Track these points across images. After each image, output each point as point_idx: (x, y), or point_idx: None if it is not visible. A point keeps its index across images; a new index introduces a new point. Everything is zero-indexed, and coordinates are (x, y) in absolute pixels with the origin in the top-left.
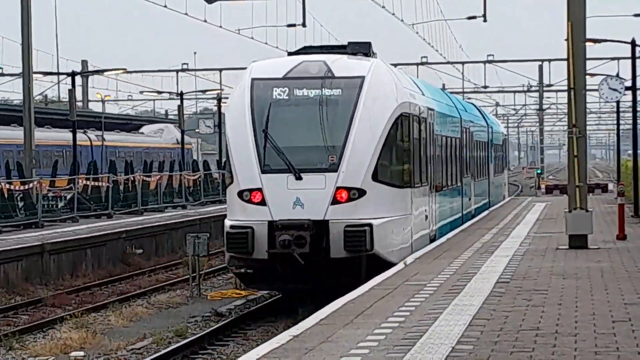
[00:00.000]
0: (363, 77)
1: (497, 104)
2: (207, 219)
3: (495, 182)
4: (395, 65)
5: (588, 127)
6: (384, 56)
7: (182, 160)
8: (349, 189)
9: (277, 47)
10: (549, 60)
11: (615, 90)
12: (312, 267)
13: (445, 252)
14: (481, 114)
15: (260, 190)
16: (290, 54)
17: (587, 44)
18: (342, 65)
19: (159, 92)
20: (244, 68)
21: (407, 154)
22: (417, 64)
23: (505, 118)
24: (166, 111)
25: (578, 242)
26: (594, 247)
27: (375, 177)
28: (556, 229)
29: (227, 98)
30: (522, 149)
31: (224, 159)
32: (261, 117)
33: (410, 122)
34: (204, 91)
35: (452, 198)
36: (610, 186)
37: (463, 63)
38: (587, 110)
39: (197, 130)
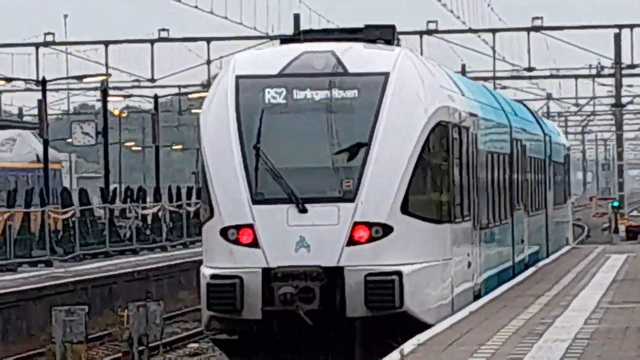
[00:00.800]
0: (387, 74)
1: (549, 97)
2: (86, 282)
3: (555, 217)
4: None
5: None
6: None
7: (46, 189)
8: (370, 225)
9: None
10: (631, 27)
11: None
12: (323, 331)
13: (466, 333)
14: (535, 117)
15: (251, 226)
16: (283, 40)
17: None
18: (358, 57)
19: (8, 80)
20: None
21: (446, 178)
22: (421, 33)
23: (562, 119)
24: (20, 109)
25: None
26: None
27: (405, 209)
28: None
29: (119, 88)
30: (589, 168)
31: (196, 184)
32: (251, 128)
33: (450, 135)
34: (80, 77)
35: (501, 239)
36: None
37: (494, 31)
38: None
39: (69, 141)
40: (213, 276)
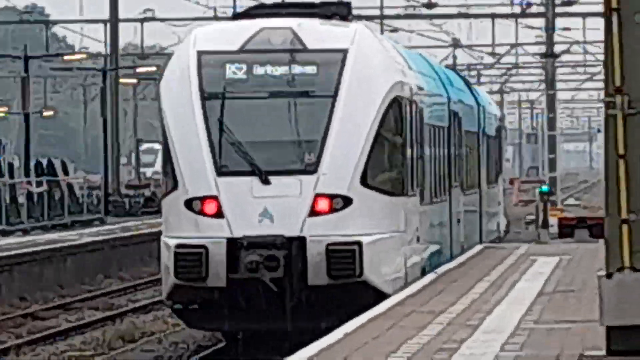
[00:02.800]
0: (345, 51)
1: (456, 44)
2: None
3: (489, 197)
4: None
5: None
6: None
7: None
8: (331, 197)
9: None
10: None
11: None
12: (286, 298)
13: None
14: (468, 86)
15: (216, 198)
16: (236, 15)
17: None
18: (316, 33)
19: None
20: None
21: (401, 152)
22: None
23: (473, 73)
24: None
25: (627, 342)
26: None
27: (364, 181)
28: (580, 315)
29: None
30: (510, 139)
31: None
32: (213, 103)
33: (403, 109)
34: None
35: (441, 217)
36: None
37: None
38: None
39: None
40: (178, 245)
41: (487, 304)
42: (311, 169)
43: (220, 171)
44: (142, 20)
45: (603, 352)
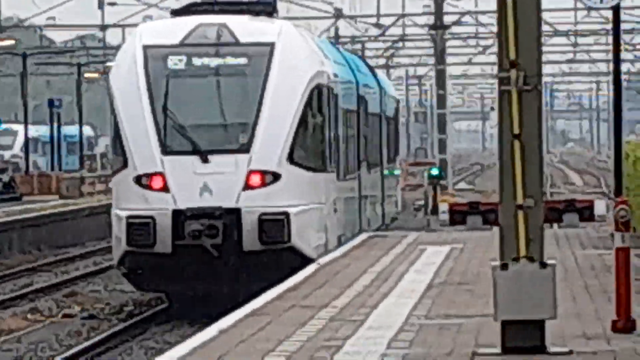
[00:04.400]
0: (273, 44)
1: (339, 14)
2: None
3: (387, 176)
4: None
5: (552, 70)
6: None
7: None
8: (262, 172)
9: None
10: None
11: None
12: (224, 262)
13: None
14: (370, 70)
15: (162, 174)
16: (174, 12)
17: None
18: (246, 28)
19: None
20: None
21: (321, 133)
22: None
23: (357, 46)
24: None
25: (523, 338)
26: (562, 352)
27: (291, 159)
28: (472, 309)
29: None
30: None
31: None
32: (158, 91)
33: (323, 95)
34: None
35: (352, 192)
36: (600, 205)
37: None
38: (546, 33)
39: None
40: (129, 217)
41: (372, 298)
42: (245, 148)
43: (166, 151)
44: None
45: (498, 350)
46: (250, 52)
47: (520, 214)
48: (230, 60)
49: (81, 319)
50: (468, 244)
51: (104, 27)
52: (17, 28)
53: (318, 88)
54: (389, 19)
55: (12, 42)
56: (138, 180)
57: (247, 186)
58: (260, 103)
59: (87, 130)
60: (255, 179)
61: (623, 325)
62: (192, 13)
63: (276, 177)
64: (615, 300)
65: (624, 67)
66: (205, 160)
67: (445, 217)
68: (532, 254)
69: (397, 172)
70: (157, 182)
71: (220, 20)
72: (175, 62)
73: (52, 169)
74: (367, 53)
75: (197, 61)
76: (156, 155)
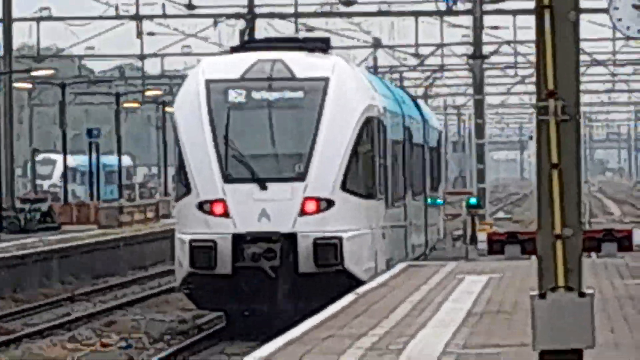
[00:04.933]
0: (327, 79)
1: (377, 44)
2: None
3: (430, 205)
4: None
5: (591, 101)
6: None
7: None
8: (317, 199)
9: None
10: None
11: None
12: (281, 283)
13: None
14: (414, 102)
15: (223, 201)
16: (234, 49)
17: None
18: (302, 64)
19: None
20: None
21: (371, 162)
22: None
23: (396, 76)
24: None
25: None
26: None
27: (344, 187)
28: (510, 339)
29: None
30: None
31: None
32: (220, 122)
33: (374, 127)
34: None
35: (399, 219)
36: (638, 235)
37: None
38: (585, 63)
39: None
40: (192, 240)
41: (410, 328)
42: (300, 177)
43: (227, 179)
44: (38, 20)
45: None
46: (306, 87)
47: (559, 243)
48: (287, 94)
49: (119, 348)
50: (506, 273)
51: (142, 57)
52: (55, 58)
53: (369, 120)
54: (427, 48)
55: (51, 71)
56: (200, 206)
57: (303, 212)
58: (315, 134)
59: (126, 160)
60: (310, 206)
61: None
62: (250, 49)
63: (330, 203)
64: None
65: None
66: (263, 188)
67: (483, 246)
68: (571, 284)
69: (439, 201)
70: (218, 208)
71: (277, 56)
72: (235, 96)
73: (91, 198)
74: (406, 83)
75: (256, 95)
76: (218, 183)
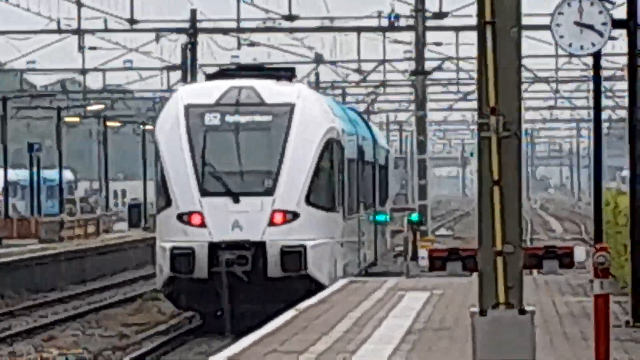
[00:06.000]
0: (293, 104)
1: (319, 60)
2: None
3: (379, 218)
4: None
5: (533, 118)
6: None
7: None
8: (284, 212)
9: None
10: None
11: (589, 28)
12: (252, 286)
13: None
14: (365, 124)
15: (200, 212)
16: (209, 76)
17: None
18: (271, 91)
19: None
20: None
21: (332, 179)
22: None
23: (338, 92)
24: None
25: None
26: None
27: (308, 200)
28: (451, 355)
29: None
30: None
31: None
32: (198, 142)
33: (333, 148)
34: None
35: (353, 230)
36: (579, 252)
37: None
38: (527, 80)
39: None
40: (173, 248)
41: (351, 344)
42: (269, 192)
43: (203, 192)
44: None
45: None
46: (274, 111)
47: (500, 260)
48: (257, 118)
49: None
50: (448, 290)
51: (84, 71)
52: None
53: (329, 141)
54: (369, 64)
55: None
56: (180, 217)
57: (272, 223)
58: (282, 154)
59: (67, 174)
60: (278, 217)
61: None
62: (224, 77)
63: (295, 215)
64: (594, 347)
65: (605, 114)
66: (236, 201)
67: (424, 262)
68: (511, 301)
69: (386, 215)
70: (196, 219)
71: (248, 84)
72: (211, 119)
73: (32, 213)
74: (348, 98)
75: (229, 118)
76: (195, 197)
